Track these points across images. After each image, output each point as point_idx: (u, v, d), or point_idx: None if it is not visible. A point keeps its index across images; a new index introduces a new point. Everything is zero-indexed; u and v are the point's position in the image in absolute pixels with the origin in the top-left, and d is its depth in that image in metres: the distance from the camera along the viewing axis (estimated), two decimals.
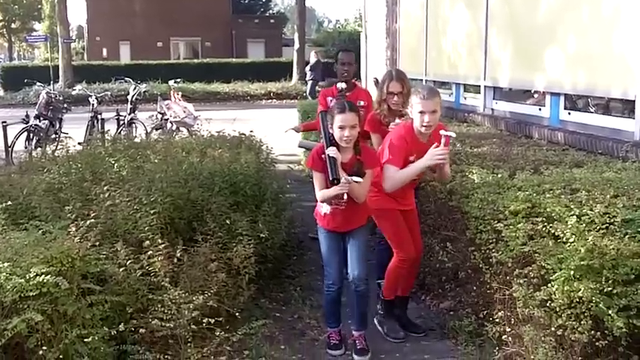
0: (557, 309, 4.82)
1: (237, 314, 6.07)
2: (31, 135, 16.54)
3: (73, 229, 5.46)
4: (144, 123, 17.34)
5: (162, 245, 5.76)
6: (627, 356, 4.81)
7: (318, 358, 6.29)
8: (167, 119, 17.27)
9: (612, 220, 5.06)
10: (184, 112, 17.30)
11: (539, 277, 5.10)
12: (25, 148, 15.81)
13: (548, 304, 4.91)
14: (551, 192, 5.87)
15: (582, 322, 4.69)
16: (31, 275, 4.62)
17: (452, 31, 16.12)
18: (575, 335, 4.72)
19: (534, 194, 5.85)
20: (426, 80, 16.92)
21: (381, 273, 7.04)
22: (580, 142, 9.86)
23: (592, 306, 4.67)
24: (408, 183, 6.30)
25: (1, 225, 5.67)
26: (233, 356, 5.90)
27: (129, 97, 18.55)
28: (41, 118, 17.09)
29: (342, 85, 8.33)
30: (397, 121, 7.07)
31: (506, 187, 6.30)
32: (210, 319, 5.36)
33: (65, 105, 18.39)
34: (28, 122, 16.57)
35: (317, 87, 34.18)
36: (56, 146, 11.03)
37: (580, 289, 4.67)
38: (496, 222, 5.63)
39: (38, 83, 21.54)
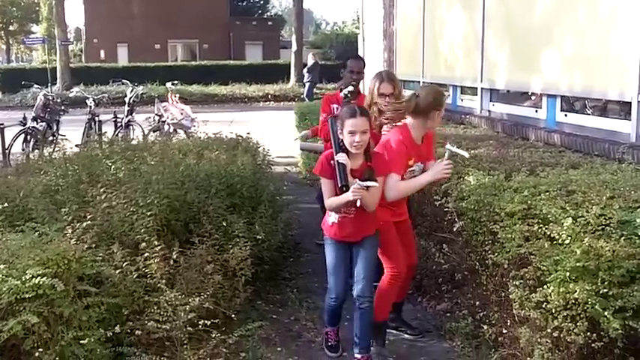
0: (553, 310, 4.82)
1: (233, 316, 6.06)
2: (29, 137, 16.56)
3: (70, 231, 5.47)
4: (141, 125, 17.34)
5: (159, 247, 5.78)
6: (623, 358, 4.82)
7: (315, 359, 6.29)
8: (164, 121, 17.26)
9: (608, 222, 5.04)
10: (182, 114, 17.29)
11: (535, 279, 5.10)
12: (23, 150, 15.78)
13: (544, 306, 4.90)
14: (547, 194, 5.86)
15: (578, 324, 4.69)
16: (27, 277, 4.62)
17: (449, 33, 16.14)
18: (571, 337, 4.71)
19: (530, 196, 5.85)
20: (423, 82, 16.93)
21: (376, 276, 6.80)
22: (576, 143, 9.88)
23: (588, 307, 4.67)
24: None
25: None
26: (229, 358, 5.89)
27: (126, 100, 18.54)
28: (38, 121, 17.12)
29: (348, 90, 7.86)
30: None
31: (502, 188, 6.29)
32: (206, 321, 5.35)
33: (62, 107, 18.41)
34: (25, 124, 16.60)
35: (314, 89, 34.27)
36: (53, 148, 11.06)
37: (576, 291, 4.67)
38: (492, 224, 5.64)
39: (36, 85, 21.58)
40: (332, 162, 5.69)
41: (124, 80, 22.66)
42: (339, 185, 5.55)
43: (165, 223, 6.49)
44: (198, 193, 7.14)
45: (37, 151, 14.32)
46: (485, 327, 5.80)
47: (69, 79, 40.73)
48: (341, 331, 6.46)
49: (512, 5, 12.94)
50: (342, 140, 5.70)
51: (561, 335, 4.79)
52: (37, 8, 73.06)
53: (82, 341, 4.78)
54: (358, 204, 5.55)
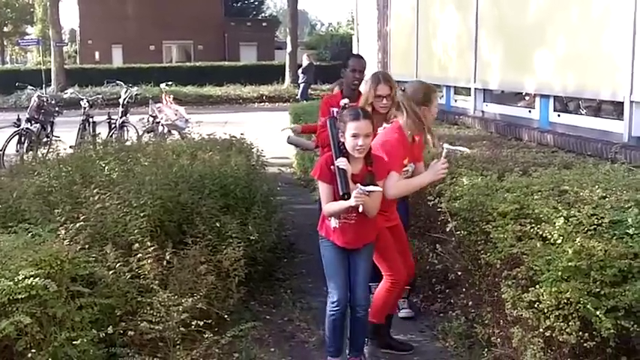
0: (545, 310, 4.81)
1: (226, 317, 6.06)
2: (23, 138, 16.52)
3: (63, 231, 5.49)
4: (135, 126, 17.33)
5: (152, 248, 5.79)
6: (615, 357, 4.81)
7: None
8: (159, 122, 17.25)
9: (600, 222, 5.04)
10: (176, 114, 17.28)
11: (527, 279, 5.10)
12: (17, 151, 15.78)
13: (536, 306, 4.90)
14: (539, 193, 5.87)
15: (570, 323, 4.69)
16: (20, 278, 4.62)
17: (442, 34, 16.18)
18: (564, 336, 4.71)
19: (523, 196, 5.85)
20: None
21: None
22: (569, 143, 9.90)
23: (580, 307, 4.66)
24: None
25: None
26: (222, 359, 5.88)
27: (120, 101, 18.53)
28: (33, 122, 17.08)
29: (344, 102, 7.75)
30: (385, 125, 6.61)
31: (494, 188, 6.29)
32: (199, 322, 5.35)
33: (57, 108, 18.37)
34: (19, 126, 16.56)
35: (309, 90, 34.27)
36: (47, 149, 11.05)
37: (568, 291, 4.67)
38: (485, 223, 5.64)
39: (30, 87, 21.52)
40: (332, 167, 5.49)
41: (118, 81, 22.61)
42: (341, 193, 5.34)
43: (158, 224, 6.50)
44: (191, 194, 7.14)
45: (31, 152, 14.33)
46: (478, 327, 5.82)
47: (63, 80, 40.70)
48: None
49: (505, 6, 12.97)
50: (342, 143, 5.52)
51: (553, 335, 4.79)
52: (32, 9, 73.01)
53: (74, 342, 4.78)
54: (360, 209, 5.36)
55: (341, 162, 5.40)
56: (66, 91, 24.48)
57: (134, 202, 6.41)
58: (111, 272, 5.44)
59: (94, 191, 6.52)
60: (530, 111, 12.11)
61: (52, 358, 4.73)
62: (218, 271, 6.41)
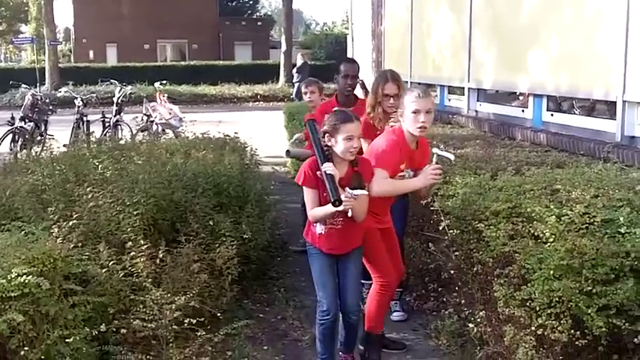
0: (537, 308, 4.83)
1: (219, 315, 6.07)
2: (17, 137, 16.53)
3: (56, 230, 5.48)
4: (129, 125, 17.33)
5: (145, 246, 5.80)
6: (607, 355, 4.83)
7: (301, 358, 6.32)
8: (153, 121, 17.26)
9: (592, 220, 5.06)
10: (170, 113, 17.28)
11: (519, 277, 5.12)
12: (11, 150, 15.77)
13: (528, 304, 4.92)
14: (531, 192, 5.89)
15: (562, 322, 4.71)
16: (13, 276, 4.62)
17: (436, 34, 16.20)
18: (555, 335, 4.72)
19: (515, 195, 5.87)
20: (411, 82, 16.96)
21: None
22: (562, 143, 9.92)
23: (572, 305, 4.68)
24: (386, 199, 5.95)
25: None
26: (216, 357, 5.90)
27: (114, 99, 18.53)
28: (26, 120, 17.10)
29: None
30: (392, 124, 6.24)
31: (487, 187, 6.31)
32: (192, 320, 5.35)
33: (51, 107, 18.40)
34: (13, 124, 16.57)
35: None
36: (41, 148, 11.04)
37: (560, 289, 4.69)
38: (477, 222, 5.65)
39: (24, 85, 21.53)
40: (318, 173, 5.35)
41: (112, 80, 22.63)
42: (332, 200, 5.14)
43: (151, 223, 6.51)
44: (185, 193, 7.15)
45: (24, 150, 14.32)
46: (471, 325, 5.82)
47: (58, 79, 40.69)
48: None
49: (499, 6, 13.00)
50: (327, 147, 5.40)
51: (545, 333, 4.80)
52: (26, 8, 72.74)
53: (67, 340, 4.78)
54: (350, 214, 5.30)
55: (328, 167, 5.25)
56: (60, 90, 24.47)
57: (127, 200, 6.42)
58: (104, 270, 5.45)
59: (88, 189, 6.52)
60: (523, 110, 12.13)
61: (45, 356, 4.73)
62: (211, 269, 6.42)
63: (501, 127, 12.06)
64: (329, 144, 5.40)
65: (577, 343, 4.72)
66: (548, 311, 4.78)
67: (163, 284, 5.74)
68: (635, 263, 4.67)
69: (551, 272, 4.78)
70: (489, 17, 13.34)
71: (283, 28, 45.07)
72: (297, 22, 78.77)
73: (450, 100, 15.65)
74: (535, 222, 5.22)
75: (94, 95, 20.99)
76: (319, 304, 5.65)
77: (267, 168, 11.20)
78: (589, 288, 4.67)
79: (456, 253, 5.95)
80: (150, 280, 5.56)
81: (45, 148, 9.83)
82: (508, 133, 11.61)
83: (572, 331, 4.69)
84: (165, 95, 20.03)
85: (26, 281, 4.60)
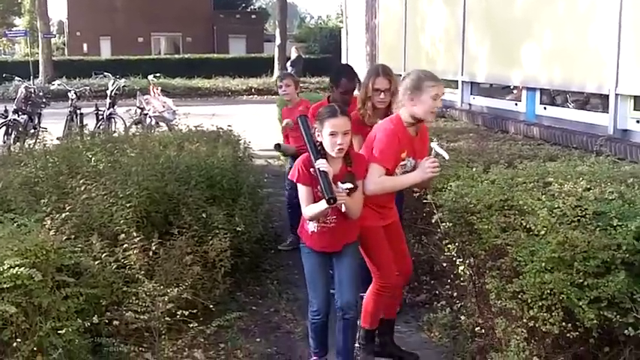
0: (529, 301, 4.84)
1: (212, 307, 6.07)
2: (10, 129, 16.50)
3: (48, 222, 5.47)
4: (123, 117, 17.31)
5: (138, 238, 5.80)
6: (598, 347, 4.85)
7: (294, 350, 6.32)
8: (146, 114, 17.24)
9: (584, 213, 5.06)
10: (163, 106, 17.27)
11: (511, 270, 5.14)
12: (4, 142, 15.75)
13: (520, 296, 4.93)
14: (523, 185, 5.91)
15: (554, 314, 4.72)
16: (5, 267, 4.62)
17: (430, 27, 16.22)
18: (547, 327, 4.74)
19: (507, 188, 5.88)
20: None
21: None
22: (555, 136, 9.95)
23: (563, 298, 4.70)
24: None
25: None
26: (208, 349, 5.93)
27: (108, 92, 18.51)
28: (20, 113, 17.07)
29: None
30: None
31: (480, 180, 6.32)
32: (184, 312, 5.35)
33: (44, 100, 18.38)
34: (6, 117, 16.53)
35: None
36: (35, 141, 11.04)
37: (551, 281, 4.70)
38: (469, 215, 5.65)
39: (17, 78, 21.49)
40: (312, 170, 5.16)
41: (105, 73, 22.59)
42: (326, 197, 4.96)
43: (144, 215, 6.52)
44: (178, 185, 7.16)
45: (18, 143, 14.30)
46: (463, 318, 5.84)
47: (51, 72, 40.59)
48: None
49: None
50: (320, 143, 5.21)
51: (537, 325, 4.82)
52: (20, 1, 72.52)
53: (60, 331, 4.79)
54: (343, 209, 5.14)
55: (322, 164, 5.06)
56: (53, 83, 24.42)
57: (120, 192, 6.43)
58: (97, 262, 5.46)
59: (81, 182, 6.53)
60: (516, 104, 12.17)
61: (38, 348, 4.74)
62: (204, 261, 6.45)
63: (495, 121, 12.08)
64: (319, 139, 5.23)
65: (568, 335, 4.74)
66: (540, 303, 4.79)
67: (156, 276, 5.75)
68: (627, 256, 4.68)
69: (543, 265, 4.79)
70: (483, 11, 13.36)
71: (277, 22, 45.00)
72: (291, 16, 78.66)
73: (443, 93, 15.66)
74: (527, 215, 5.24)
75: (88, 88, 20.94)
76: (310, 303, 5.57)
77: (261, 161, 11.21)
78: (580, 280, 4.69)
79: (449, 245, 5.94)
80: (142, 272, 5.56)
81: (38, 140, 9.82)
82: (501, 127, 11.64)
83: (564, 323, 4.71)
84: (159, 88, 20.02)
85: (19, 273, 4.60)
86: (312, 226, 5.41)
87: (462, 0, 13.96)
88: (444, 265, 6.43)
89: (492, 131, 11.37)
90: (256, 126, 12.46)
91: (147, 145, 8.56)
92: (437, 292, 6.95)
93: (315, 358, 5.76)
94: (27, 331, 4.74)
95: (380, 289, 5.78)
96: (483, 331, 5.58)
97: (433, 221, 6.37)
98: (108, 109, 17.89)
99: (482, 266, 5.54)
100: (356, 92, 7.55)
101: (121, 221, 6.00)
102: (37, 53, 43.02)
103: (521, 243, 5.06)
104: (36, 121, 17.52)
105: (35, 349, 4.72)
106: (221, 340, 6.19)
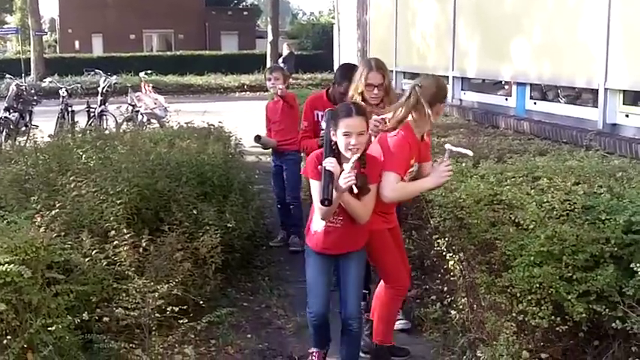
0: (518, 295, 4.88)
1: (203, 303, 6.09)
2: (1, 127, 16.44)
3: (38, 219, 5.47)
4: (114, 115, 17.30)
5: (128, 235, 5.79)
6: (588, 341, 4.89)
7: (285, 346, 6.32)
8: (138, 111, 17.24)
9: (572, 207, 5.10)
10: (155, 103, 17.28)
11: (500, 264, 5.16)
12: None
13: (509, 290, 4.96)
14: (512, 180, 5.93)
15: (543, 308, 4.76)
16: None
17: (421, 23, 16.25)
18: (536, 320, 4.77)
19: (496, 182, 5.90)
20: (396, 72, 16.99)
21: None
22: (545, 131, 9.98)
23: (552, 292, 4.73)
24: None
25: None
26: (199, 345, 5.94)
27: (99, 89, 18.49)
28: (11, 111, 17.02)
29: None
30: (375, 117, 5.66)
31: (469, 175, 6.34)
32: (174, 308, 5.35)
33: (35, 97, 18.34)
34: None
35: (290, 79, 34.15)
36: (26, 139, 11.03)
37: (540, 275, 4.73)
38: (459, 210, 5.67)
39: (8, 76, 21.45)
40: (319, 167, 4.97)
41: (96, 70, 22.56)
42: (320, 198, 4.80)
43: (135, 212, 6.50)
44: (168, 182, 7.14)
45: (9, 141, 14.28)
46: (453, 312, 5.87)
47: (43, 69, 40.46)
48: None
49: None
50: (335, 142, 5.02)
51: (526, 319, 4.85)
52: None
53: (50, 328, 4.77)
54: (355, 191, 4.89)
55: (329, 162, 4.87)
56: (44, 80, 24.38)
57: (111, 189, 6.40)
58: (87, 259, 5.45)
59: (71, 179, 6.51)
60: (507, 99, 12.20)
61: (28, 345, 4.73)
62: (195, 258, 6.44)
63: (485, 116, 12.10)
64: (333, 138, 5.04)
65: (558, 328, 4.78)
66: (529, 297, 4.82)
67: (146, 273, 5.74)
68: (615, 249, 4.72)
69: (532, 259, 4.83)
70: (473, 6, 13.39)
71: (270, 18, 44.89)
72: (283, 12, 78.61)
73: None
74: (516, 209, 5.26)
75: (79, 85, 20.89)
76: (308, 304, 5.39)
77: (252, 157, 11.21)
78: (569, 274, 4.72)
79: (439, 240, 5.95)
80: (133, 268, 5.55)
81: (29, 138, 9.82)
82: (492, 122, 11.67)
83: (553, 317, 4.75)
84: (150, 85, 20.00)
85: (8, 270, 4.59)
86: (316, 225, 5.25)
87: None
88: (435, 260, 6.45)
89: (483, 126, 11.41)
90: (248, 122, 12.42)
91: (137, 142, 8.54)
92: (427, 286, 6.97)
93: (314, 349, 5.61)
94: (17, 328, 4.73)
95: (394, 294, 5.61)
96: (473, 325, 5.61)
97: (423, 216, 6.39)
98: (99, 106, 17.87)
99: (471, 261, 5.55)
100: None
101: (112, 218, 5.99)
102: (29, 51, 42.89)
103: (510, 237, 5.09)
104: (27, 119, 17.47)
105: (25, 346, 4.71)
106: (212, 336, 6.20)
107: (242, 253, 7.97)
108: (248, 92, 37.65)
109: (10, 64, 40.54)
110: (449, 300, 6.21)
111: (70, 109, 17.86)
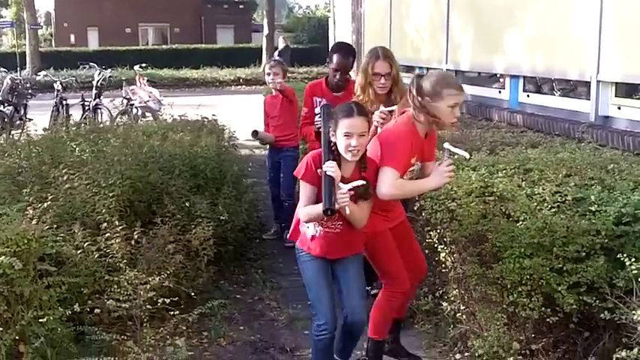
0: (509, 286, 4.88)
1: (195, 295, 6.10)
2: None
3: (30, 211, 5.47)
4: (109, 108, 17.30)
5: (120, 227, 5.80)
6: (578, 332, 4.90)
7: (277, 338, 6.34)
8: (132, 104, 17.24)
9: (563, 199, 5.12)
10: (149, 96, 17.28)
11: (491, 255, 5.17)
12: None
13: (500, 282, 4.97)
14: (504, 172, 5.94)
15: (533, 299, 4.76)
16: None
17: (415, 15, 16.24)
18: (527, 312, 4.78)
19: (488, 174, 5.90)
20: None
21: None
22: (538, 123, 9.99)
23: (543, 283, 4.74)
24: None
25: None
26: (191, 337, 5.96)
27: (94, 83, 18.49)
28: (5, 104, 17.06)
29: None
30: (382, 108, 5.65)
31: (460, 167, 6.33)
32: (166, 300, 5.34)
33: (30, 91, 18.35)
34: None
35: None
36: (21, 132, 11.03)
37: (531, 267, 4.74)
38: (450, 201, 5.67)
39: (2, 69, 21.45)
40: (319, 170, 4.70)
41: (91, 63, 22.56)
42: (323, 209, 4.55)
43: (127, 204, 6.51)
44: (161, 174, 7.15)
45: (3, 134, 14.28)
46: (445, 304, 5.87)
47: (38, 63, 40.40)
48: None
49: None
50: (334, 143, 4.76)
51: (517, 310, 4.86)
52: None
53: (42, 320, 4.76)
54: (347, 212, 4.67)
55: (329, 167, 4.61)
56: (39, 74, 24.38)
57: (103, 182, 6.41)
58: (79, 251, 5.47)
59: (63, 172, 6.51)
60: (500, 91, 12.20)
61: (20, 337, 4.73)
62: (187, 250, 6.45)
63: (479, 109, 12.11)
64: (332, 139, 4.78)
65: (548, 320, 4.79)
66: (520, 289, 4.83)
67: (138, 265, 5.75)
68: (606, 241, 4.73)
69: (523, 250, 4.83)
70: None
71: (265, 12, 44.84)
72: (279, 6, 78.30)
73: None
74: (507, 201, 5.28)
75: (74, 79, 20.92)
76: (315, 317, 5.03)
77: (246, 150, 11.20)
78: (560, 266, 4.73)
79: (430, 232, 5.95)
80: (125, 260, 5.56)
81: (24, 131, 9.82)
82: (485, 114, 11.68)
83: (544, 308, 4.75)
84: (145, 78, 19.99)
85: (0, 262, 4.60)
86: (312, 230, 4.96)
87: None
88: (427, 252, 6.45)
89: (476, 119, 11.41)
90: (243, 116, 12.45)
91: (130, 135, 8.54)
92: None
93: None
94: (9, 320, 4.73)
95: (392, 295, 5.43)
96: (465, 317, 5.62)
97: (415, 208, 6.39)
98: (94, 99, 17.87)
99: (463, 252, 5.56)
100: (353, 76, 7.50)
101: (104, 210, 5.99)
102: (24, 44, 42.85)
103: (501, 229, 5.09)
104: (22, 112, 17.51)
105: (17, 338, 4.71)
106: (204, 328, 6.23)
107: (235, 246, 7.98)
108: (244, 86, 37.65)
109: (6, 57, 40.55)
110: (440, 292, 6.21)
111: (64, 102, 17.86)
